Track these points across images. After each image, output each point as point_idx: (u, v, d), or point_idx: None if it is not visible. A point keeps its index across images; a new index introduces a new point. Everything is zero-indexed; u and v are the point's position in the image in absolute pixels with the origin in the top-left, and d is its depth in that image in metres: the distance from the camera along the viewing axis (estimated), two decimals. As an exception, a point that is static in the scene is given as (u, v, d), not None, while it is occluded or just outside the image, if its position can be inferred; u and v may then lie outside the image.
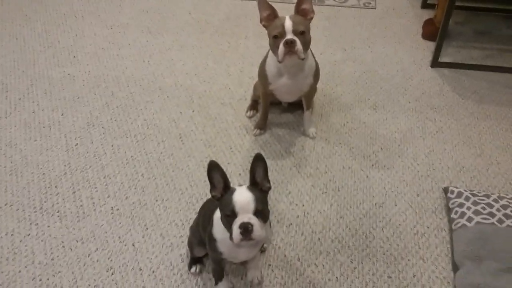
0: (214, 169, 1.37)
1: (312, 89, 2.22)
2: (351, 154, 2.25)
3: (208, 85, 2.68)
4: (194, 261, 1.74)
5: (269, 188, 1.43)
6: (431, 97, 2.59)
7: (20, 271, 1.76)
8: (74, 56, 2.91)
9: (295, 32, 1.88)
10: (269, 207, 1.43)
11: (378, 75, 2.76)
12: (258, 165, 1.38)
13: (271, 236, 1.87)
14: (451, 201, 1.92)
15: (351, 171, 2.17)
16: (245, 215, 1.31)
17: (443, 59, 2.83)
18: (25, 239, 1.87)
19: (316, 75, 2.15)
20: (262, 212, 1.34)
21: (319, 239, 1.88)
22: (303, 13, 1.96)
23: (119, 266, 1.78)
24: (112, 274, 1.75)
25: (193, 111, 2.50)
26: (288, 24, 1.88)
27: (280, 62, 1.95)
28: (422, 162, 2.20)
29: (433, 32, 2.94)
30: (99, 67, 2.82)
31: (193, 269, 1.73)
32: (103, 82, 2.70)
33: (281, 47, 1.89)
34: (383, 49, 2.98)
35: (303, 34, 1.91)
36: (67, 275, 1.74)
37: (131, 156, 2.24)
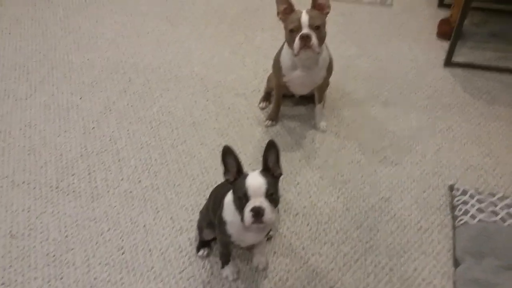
0: (228, 154, 1.42)
1: (325, 82, 2.26)
2: (360, 148, 2.28)
3: (223, 75, 2.73)
4: (202, 244, 1.81)
5: (281, 174, 1.48)
6: (442, 96, 2.61)
7: (34, 247, 1.84)
8: (94, 42, 2.98)
9: (311, 26, 1.92)
10: (279, 194, 1.48)
11: (391, 72, 2.78)
12: (271, 151, 1.43)
13: (278, 224, 1.92)
14: (456, 199, 1.95)
15: (360, 165, 2.20)
16: (257, 199, 1.37)
17: (456, 59, 2.84)
18: (40, 216, 1.95)
19: (330, 68, 2.19)
20: (273, 196, 1.39)
21: (324, 229, 1.93)
22: (319, 8, 1.99)
23: (130, 246, 1.85)
24: (123, 253, 1.82)
25: (207, 100, 2.56)
26: (305, 18, 1.92)
27: (295, 55, 2.00)
28: (430, 159, 2.23)
29: (448, 31, 2.95)
30: (118, 53, 2.89)
31: (200, 252, 1.80)
32: (121, 69, 2.77)
33: (297, 41, 1.93)
34: (397, 46, 2.99)
35: (319, 29, 1.94)
36: (79, 252, 1.82)
37: (146, 142, 2.30)
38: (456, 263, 1.78)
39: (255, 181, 1.38)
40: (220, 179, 2.06)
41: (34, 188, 2.07)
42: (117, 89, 2.62)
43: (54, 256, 1.80)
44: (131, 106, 2.51)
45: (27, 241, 1.86)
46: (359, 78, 2.73)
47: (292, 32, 1.96)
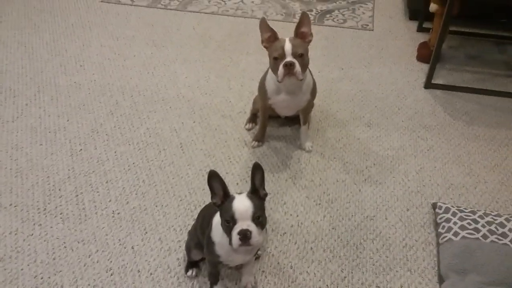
0: (214, 178, 1.44)
1: (309, 105, 2.32)
2: (345, 168, 2.33)
3: (210, 97, 2.78)
4: (191, 265, 1.82)
5: (266, 195, 1.52)
6: (423, 117, 2.69)
7: (22, 269, 1.82)
8: (81, 65, 3.00)
9: (294, 54, 1.97)
10: (265, 215, 1.51)
11: (373, 94, 2.87)
12: (257, 173, 1.46)
13: (266, 243, 1.95)
14: (439, 216, 2.00)
15: (344, 184, 2.25)
16: (244, 222, 1.39)
17: (436, 80, 2.94)
18: (28, 238, 1.94)
19: (313, 92, 2.25)
20: (259, 219, 1.42)
21: (311, 248, 1.96)
22: (302, 36, 2.05)
23: (118, 268, 1.84)
24: (112, 275, 1.82)
25: (194, 122, 2.59)
26: (288, 46, 1.97)
27: (279, 82, 2.06)
28: (412, 179, 2.29)
29: (427, 54, 3.06)
30: (105, 76, 2.92)
31: (189, 273, 1.80)
32: (108, 91, 2.79)
33: (281, 68, 1.98)
34: (378, 69, 3.09)
35: (302, 57, 2.00)
36: (67, 274, 1.81)
37: (133, 163, 2.32)
38: (441, 280, 1.82)
39: (241, 204, 1.41)
40: (207, 199, 2.08)
41: (22, 210, 2.06)
42: (104, 111, 2.64)
43: (42, 278, 1.79)
44: (118, 128, 2.53)
45: (14, 263, 1.84)
46: (342, 100, 2.81)
47: (276, 59, 2.01)
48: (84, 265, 1.85)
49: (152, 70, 3.00)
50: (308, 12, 2.27)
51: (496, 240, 1.82)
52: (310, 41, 2.06)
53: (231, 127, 2.56)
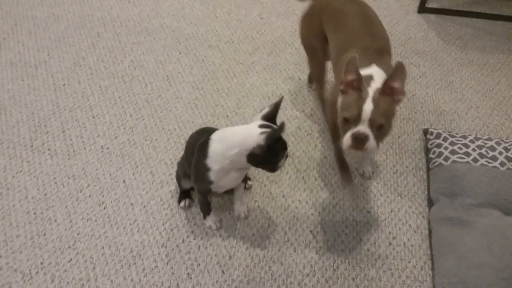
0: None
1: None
2: (336, 97, 2.30)
3: (195, 27, 2.67)
4: (183, 195, 1.82)
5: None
6: (416, 43, 2.62)
7: (14, 206, 1.81)
8: (58, -4, 2.84)
9: (372, 123, 1.44)
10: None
11: (365, 20, 2.77)
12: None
13: (257, 174, 1.94)
14: (430, 142, 2.00)
15: (336, 113, 2.22)
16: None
17: (430, 4, 2.84)
18: (17, 175, 1.92)
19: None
20: None
21: (303, 177, 1.96)
22: (391, 93, 1.47)
23: (111, 201, 1.84)
24: (105, 208, 1.82)
25: (180, 53, 2.50)
26: (368, 108, 1.43)
27: (344, 150, 1.56)
28: (404, 106, 2.27)
29: (422, -23, 2.93)
30: (84, 7, 2.77)
31: (182, 203, 1.81)
32: (88, 23, 2.67)
33: (348, 138, 1.47)
34: (371, -7, 2.97)
35: (382, 128, 1.46)
36: (60, 209, 1.81)
37: (119, 97, 2.26)
38: (431, 204, 1.85)
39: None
40: (198, 131, 2.04)
41: (8, 147, 2.02)
42: (85, 44, 2.53)
43: (34, 213, 1.79)
44: (102, 61, 2.44)
45: (5, 200, 1.83)
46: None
47: (346, 122, 1.48)
48: (76, 200, 1.84)
49: (134, -1, 2.85)
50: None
51: (486, 163, 1.83)
52: (399, 101, 1.49)
53: (218, 58, 2.48)
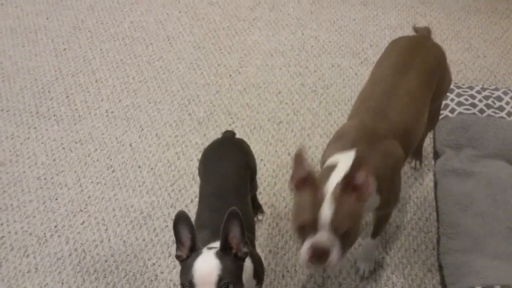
0: (181, 222, 1.08)
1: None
2: (340, 52, 2.26)
3: (195, -16, 2.61)
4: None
5: (246, 254, 1.10)
6: (422, -9, 2.55)
7: (24, 172, 1.85)
8: (52, -43, 2.77)
9: (334, 230, 1.09)
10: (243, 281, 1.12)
11: (369, -31, 2.68)
12: (233, 223, 1.06)
13: (267, 134, 1.95)
14: (436, 94, 1.98)
15: (340, 69, 2.20)
16: None
17: (436, -50, 2.73)
18: (25, 142, 1.94)
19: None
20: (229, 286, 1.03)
21: (308, 135, 1.96)
22: (354, 191, 1.12)
23: (119, 165, 1.87)
24: (113, 171, 1.85)
25: (179, 12, 2.46)
26: (326, 214, 1.08)
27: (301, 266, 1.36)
28: (410, 58, 2.23)
29: None
30: (80, -33, 2.71)
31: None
32: (86, -16, 2.61)
33: (305, 249, 1.12)
34: None
35: (347, 236, 1.11)
36: (70, 174, 1.84)
37: (121, 60, 2.24)
38: (436, 156, 1.85)
39: (204, 265, 1.03)
40: (201, 94, 2.05)
41: (14, 115, 2.03)
42: (83, 6, 2.49)
43: (45, 179, 1.82)
44: (101, 23, 2.40)
45: (15, 167, 1.86)
46: (337, -23, 2.63)
47: (301, 229, 1.14)
48: (85, 164, 1.87)
49: (130, -43, 2.77)
50: None
51: (493, 114, 1.81)
52: (368, 197, 1.15)
53: (219, 15, 2.43)
